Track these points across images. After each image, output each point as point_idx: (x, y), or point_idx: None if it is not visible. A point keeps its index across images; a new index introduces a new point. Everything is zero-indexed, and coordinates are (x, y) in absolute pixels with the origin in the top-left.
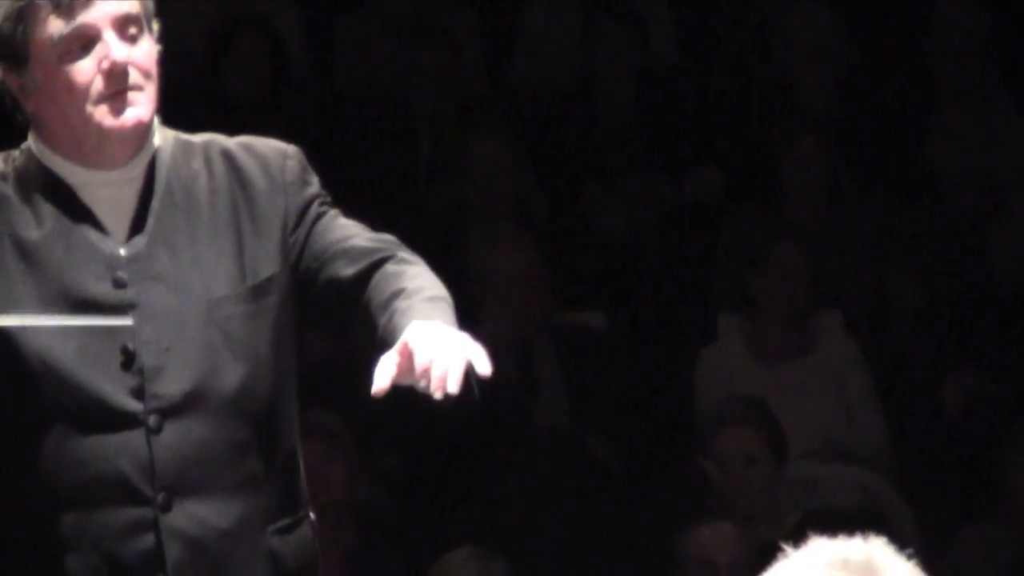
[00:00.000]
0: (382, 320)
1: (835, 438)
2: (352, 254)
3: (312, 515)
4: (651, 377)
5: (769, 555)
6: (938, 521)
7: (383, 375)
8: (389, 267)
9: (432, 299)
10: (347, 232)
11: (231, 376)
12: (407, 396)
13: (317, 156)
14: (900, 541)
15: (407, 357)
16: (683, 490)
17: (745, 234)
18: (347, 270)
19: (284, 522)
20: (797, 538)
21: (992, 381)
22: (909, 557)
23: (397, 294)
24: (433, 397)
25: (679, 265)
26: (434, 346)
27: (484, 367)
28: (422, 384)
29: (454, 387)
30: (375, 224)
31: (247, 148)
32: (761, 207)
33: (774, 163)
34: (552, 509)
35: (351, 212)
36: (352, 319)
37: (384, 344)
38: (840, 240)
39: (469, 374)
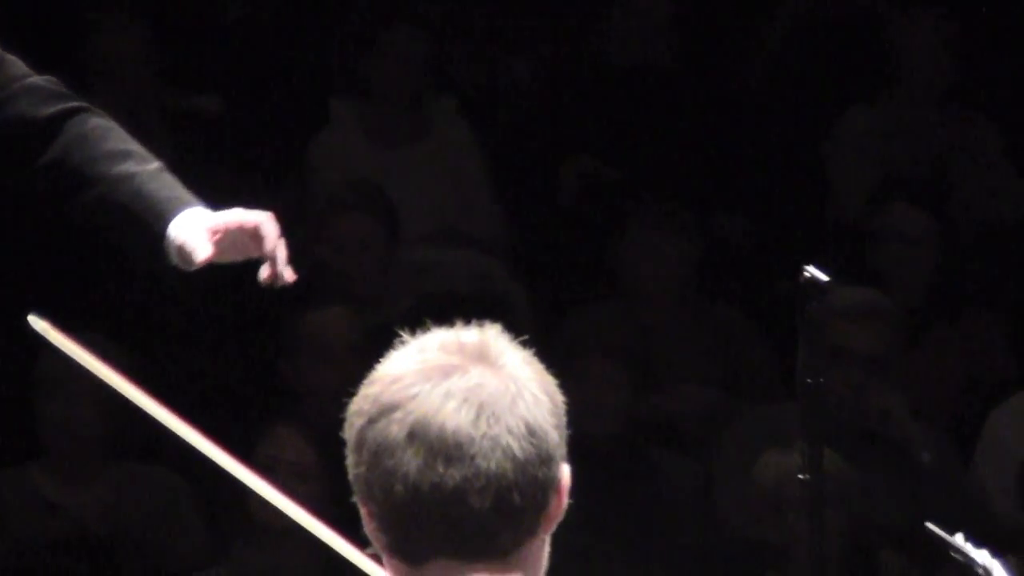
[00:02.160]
0: (113, 171)
1: (450, 222)
2: (40, 94)
3: None
4: (266, 161)
5: (384, 339)
6: (553, 303)
7: (205, 247)
8: (95, 120)
9: (168, 171)
10: (20, 69)
11: None
12: None
13: None
14: (515, 324)
15: (229, 234)
16: (299, 274)
17: (360, 17)
18: (38, 109)
19: None
20: (411, 322)
21: (607, 164)
22: (524, 342)
23: (126, 154)
24: (273, 283)
25: (294, 47)
26: (274, 235)
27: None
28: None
29: (292, 276)
30: None
31: None
32: None
33: None
34: (158, 292)
35: None
36: (39, 157)
37: (115, 197)
38: (455, 22)
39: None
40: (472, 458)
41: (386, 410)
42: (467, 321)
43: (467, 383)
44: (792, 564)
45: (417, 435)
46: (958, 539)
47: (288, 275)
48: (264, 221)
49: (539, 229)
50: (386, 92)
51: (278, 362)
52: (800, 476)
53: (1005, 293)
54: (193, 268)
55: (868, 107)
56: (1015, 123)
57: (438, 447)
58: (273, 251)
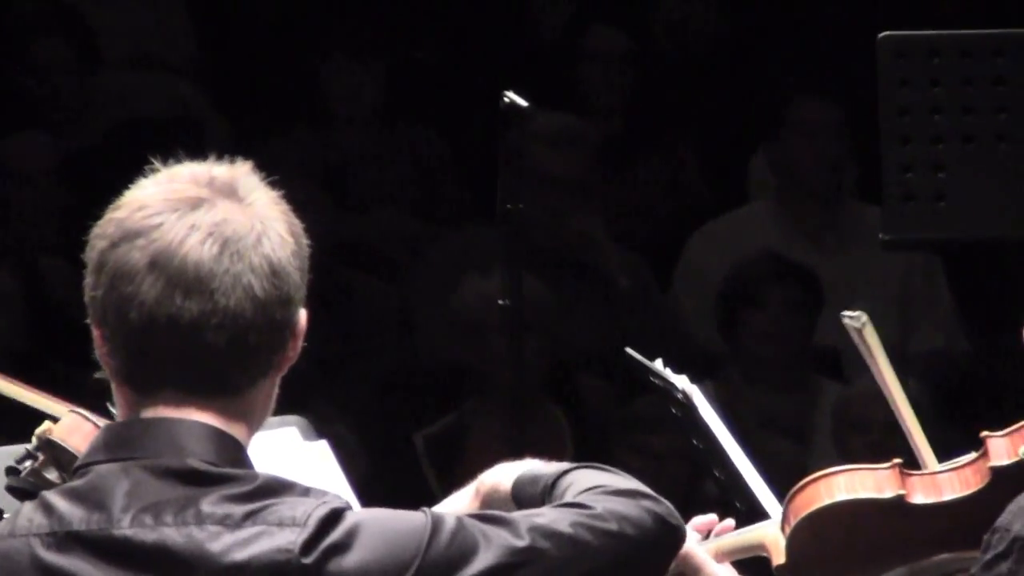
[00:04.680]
0: None
1: (150, 48)
2: None
3: None
4: None
5: (83, 163)
6: (251, 128)
7: None
8: None
9: None
10: None
11: None
12: None
13: None
14: (213, 149)
15: None
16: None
17: None
18: None
19: None
20: (108, 147)
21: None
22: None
23: None
24: None
25: None
26: None
27: None
28: None
29: None
30: None
31: None
32: None
33: None
34: None
35: None
36: None
37: None
38: None
39: None
40: (212, 293)
41: (129, 235)
42: (163, 146)
43: (213, 217)
44: (493, 389)
45: (158, 264)
46: (657, 364)
47: None
48: None
49: (237, 54)
50: None
51: None
52: (500, 301)
53: (704, 119)
54: None
55: None
56: None
57: (178, 279)
58: None
